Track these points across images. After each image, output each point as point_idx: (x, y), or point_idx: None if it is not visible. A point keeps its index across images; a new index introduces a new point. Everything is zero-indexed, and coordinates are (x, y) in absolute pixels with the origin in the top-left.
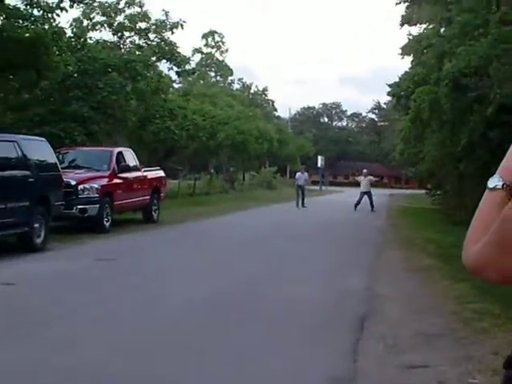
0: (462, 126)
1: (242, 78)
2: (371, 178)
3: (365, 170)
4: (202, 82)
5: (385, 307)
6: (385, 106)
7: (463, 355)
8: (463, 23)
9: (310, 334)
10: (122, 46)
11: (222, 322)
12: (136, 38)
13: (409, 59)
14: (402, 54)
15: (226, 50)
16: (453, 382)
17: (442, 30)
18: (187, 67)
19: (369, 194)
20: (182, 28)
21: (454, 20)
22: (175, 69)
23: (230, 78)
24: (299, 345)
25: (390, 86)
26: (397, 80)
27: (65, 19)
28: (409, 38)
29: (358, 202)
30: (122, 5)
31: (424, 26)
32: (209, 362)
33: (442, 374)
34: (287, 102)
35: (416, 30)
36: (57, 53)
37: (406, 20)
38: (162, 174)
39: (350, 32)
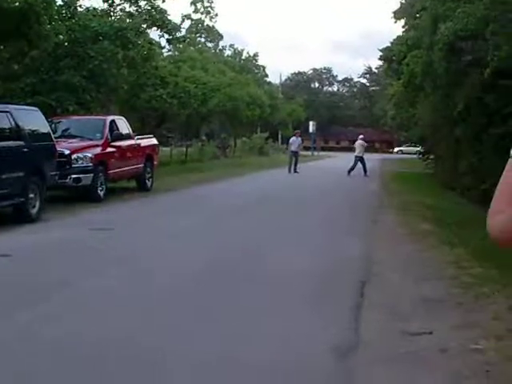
0: (457, 89)
1: (233, 44)
2: (363, 142)
3: (361, 136)
4: (192, 48)
5: (384, 273)
6: (376, 71)
7: (465, 321)
8: None
9: (310, 302)
10: (112, 13)
11: (220, 290)
12: (126, 5)
13: (400, 24)
14: (394, 18)
15: (216, 15)
16: (456, 348)
17: None
18: (178, 35)
19: (362, 159)
20: None
21: None
22: (166, 36)
23: (220, 44)
24: (299, 313)
25: (381, 50)
26: (388, 45)
27: None
28: (401, 3)
29: (353, 168)
30: None
31: None
32: (208, 331)
33: (445, 340)
34: (278, 68)
35: None
36: (47, 22)
37: None
38: (154, 141)
39: None
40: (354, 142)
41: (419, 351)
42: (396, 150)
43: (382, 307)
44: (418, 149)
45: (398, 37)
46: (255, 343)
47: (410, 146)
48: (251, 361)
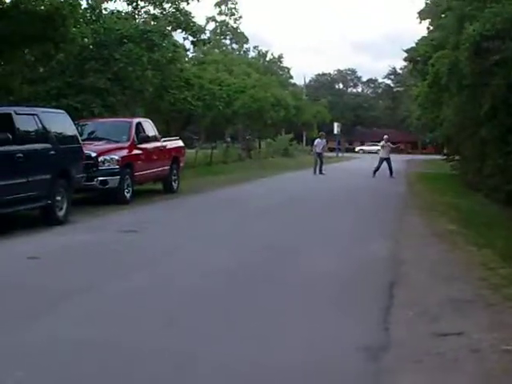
0: (483, 90)
1: (257, 46)
2: (390, 144)
3: (385, 136)
4: (216, 50)
5: (412, 274)
6: (400, 72)
7: (495, 322)
8: None
9: (338, 302)
10: (136, 16)
11: (247, 293)
12: (151, 8)
13: (424, 24)
14: (419, 19)
15: (240, 17)
16: (487, 350)
17: None
18: (202, 37)
19: (388, 160)
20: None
21: None
22: (190, 38)
23: (245, 45)
24: (328, 313)
25: (406, 51)
26: (412, 45)
27: None
28: (426, 3)
29: (378, 168)
30: None
31: None
32: (234, 334)
33: (476, 341)
34: (301, 70)
35: None
36: (73, 25)
37: None
38: (180, 143)
39: None
40: (378, 142)
41: (450, 352)
42: (357, 149)
43: (411, 307)
44: (379, 147)
45: (423, 37)
46: (284, 345)
47: (372, 145)
48: (280, 362)
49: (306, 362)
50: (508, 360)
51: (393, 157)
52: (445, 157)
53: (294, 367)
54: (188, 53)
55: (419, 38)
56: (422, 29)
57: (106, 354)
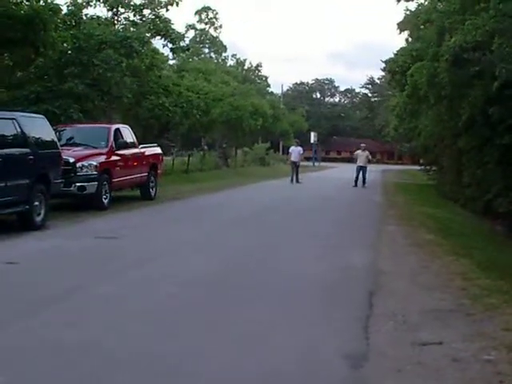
0: (461, 101)
1: (235, 55)
2: (368, 153)
3: (363, 145)
4: (196, 58)
5: (391, 283)
6: (378, 82)
7: (475, 332)
8: None
9: (318, 311)
10: (116, 22)
11: (226, 300)
12: (131, 14)
13: (402, 35)
14: (399, 30)
15: (220, 26)
16: (468, 359)
17: (439, 5)
18: (181, 44)
19: (364, 169)
20: (178, 5)
21: None
22: (170, 45)
23: (223, 54)
24: (309, 322)
25: (385, 61)
26: (389, 55)
27: None
28: (406, 14)
29: (357, 178)
30: None
31: (421, 1)
32: (215, 340)
33: (456, 351)
34: (278, 79)
35: (413, 5)
36: (54, 30)
37: None
38: (158, 150)
39: (335, 8)
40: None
41: (431, 361)
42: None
43: (391, 317)
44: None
45: (402, 48)
46: (264, 352)
47: None
48: (261, 370)
49: (286, 371)
50: (489, 370)
51: (369, 167)
52: (422, 167)
53: (275, 374)
54: (168, 60)
55: (397, 48)
56: (397, 39)
57: (84, 359)
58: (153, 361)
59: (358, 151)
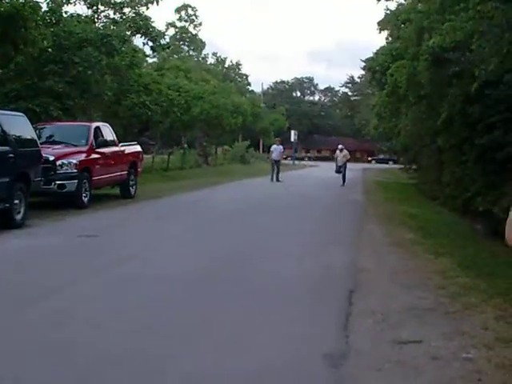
0: (441, 100)
1: (216, 53)
2: (346, 153)
3: (340, 146)
4: (175, 56)
5: (371, 282)
6: (358, 81)
7: (454, 330)
8: None
9: (299, 309)
10: (96, 20)
11: (206, 299)
12: (111, 12)
13: (382, 34)
14: (379, 29)
15: (200, 24)
16: (447, 357)
17: (419, 5)
18: (162, 42)
19: (344, 168)
20: (158, 4)
21: None
22: (150, 43)
23: (203, 52)
24: (289, 321)
25: (365, 60)
26: (368, 54)
27: None
28: (386, 13)
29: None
30: None
31: (401, 0)
32: (197, 339)
33: (436, 349)
34: (258, 78)
35: (393, 4)
36: (34, 27)
37: None
38: (138, 148)
39: (315, 6)
40: (334, 151)
41: (410, 359)
42: None
43: (370, 316)
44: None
45: (382, 47)
46: (243, 352)
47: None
48: (241, 369)
49: (264, 370)
50: (468, 368)
51: (349, 165)
52: (402, 166)
53: (255, 373)
54: (148, 58)
55: (377, 47)
56: (377, 38)
57: (65, 358)
58: (141, 359)
59: (337, 152)
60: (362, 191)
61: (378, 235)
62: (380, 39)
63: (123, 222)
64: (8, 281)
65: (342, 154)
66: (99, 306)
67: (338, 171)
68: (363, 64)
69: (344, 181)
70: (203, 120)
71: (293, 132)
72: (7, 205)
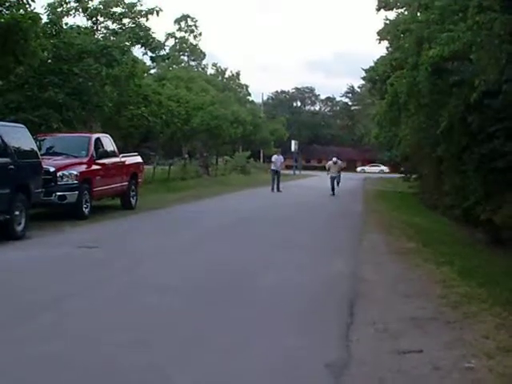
0: (441, 109)
1: (216, 63)
2: (340, 162)
3: (334, 159)
4: (175, 66)
5: (372, 292)
6: (358, 90)
7: (455, 339)
8: (442, 7)
9: (300, 320)
10: (96, 31)
11: (206, 310)
12: (110, 23)
13: (382, 44)
14: (378, 39)
15: (200, 34)
16: (449, 367)
17: (419, 14)
18: (162, 52)
19: (337, 178)
20: (158, 15)
21: (432, 6)
22: (150, 54)
23: (203, 62)
24: (290, 332)
25: (365, 70)
26: (367, 64)
27: (39, 4)
28: (385, 23)
29: (333, 187)
30: None
31: (401, 10)
32: (197, 351)
33: (437, 358)
34: (258, 88)
35: (393, 14)
36: (34, 38)
37: (383, 4)
38: (139, 159)
39: (315, 17)
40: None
41: (412, 369)
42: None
43: (371, 325)
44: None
45: (382, 57)
46: (245, 362)
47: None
48: (242, 379)
49: (267, 381)
50: (469, 377)
51: (349, 175)
52: (402, 175)
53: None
54: (150, 69)
55: (377, 57)
56: (377, 48)
57: (63, 370)
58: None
59: (330, 162)
60: (363, 200)
61: (378, 244)
62: (379, 49)
63: (124, 234)
64: (7, 291)
65: (336, 166)
66: (97, 319)
67: (333, 188)
68: (363, 74)
69: (334, 189)
70: (203, 131)
71: (293, 142)
72: (8, 216)
